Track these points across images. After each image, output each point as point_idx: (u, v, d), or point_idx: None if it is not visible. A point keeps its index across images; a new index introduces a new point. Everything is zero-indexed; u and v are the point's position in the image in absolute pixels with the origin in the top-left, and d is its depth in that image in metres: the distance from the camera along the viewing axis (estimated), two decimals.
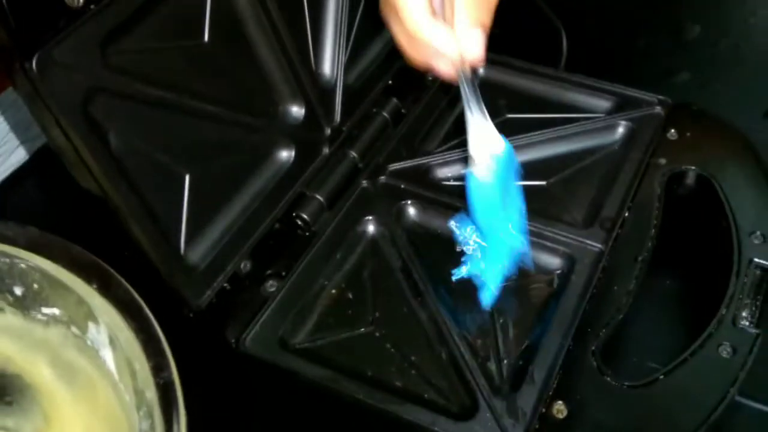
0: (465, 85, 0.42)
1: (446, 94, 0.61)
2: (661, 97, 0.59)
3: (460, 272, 0.49)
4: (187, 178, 0.46)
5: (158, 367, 0.35)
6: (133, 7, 0.42)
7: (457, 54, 0.40)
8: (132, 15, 0.42)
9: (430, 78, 0.63)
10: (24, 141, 0.59)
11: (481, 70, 0.64)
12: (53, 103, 0.38)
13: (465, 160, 0.57)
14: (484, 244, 0.49)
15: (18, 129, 0.58)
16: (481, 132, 0.44)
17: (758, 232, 0.50)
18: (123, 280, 0.38)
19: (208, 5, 0.47)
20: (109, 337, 0.38)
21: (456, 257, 0.51)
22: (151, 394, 0.35)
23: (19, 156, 0.59)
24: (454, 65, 0.41)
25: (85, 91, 0.40)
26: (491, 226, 0.47)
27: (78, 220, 0.48)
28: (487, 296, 0.48)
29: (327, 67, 0.55)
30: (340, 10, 0.56)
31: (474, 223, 0.49)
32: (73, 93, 0.39)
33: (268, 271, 0.50)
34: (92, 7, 0.39)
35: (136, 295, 0.37)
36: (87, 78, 0.40)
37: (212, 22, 0.47)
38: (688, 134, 0.57)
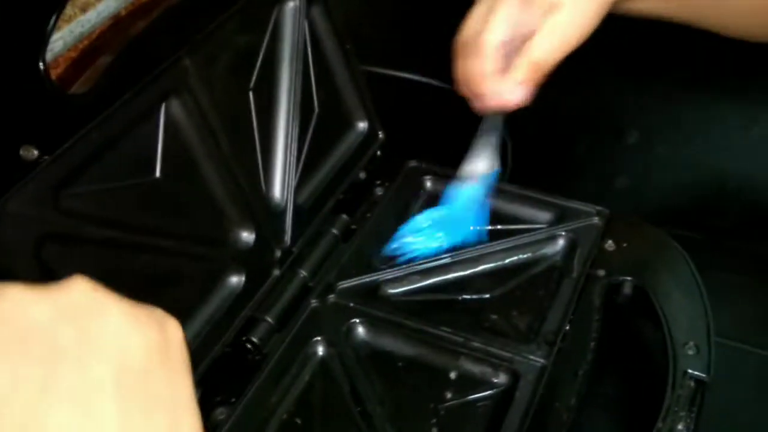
0: (487, 121, 0.52)
1: (395, 209, 0.64)
2: (598, 207, 0.62)
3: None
4: None
5: None
6: (85, 153, 0.43)
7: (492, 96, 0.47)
8: (84, 160, 0.43)
9: (380, 193, 0.66)
10: None
11: (429, 184, 0.67)
12: (4, 253, 0.40)
13: (415, 275, 0.59)
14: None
15: None
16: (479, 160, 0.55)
17: (691, 343, 0.52)
18: None
19: (159, 143, 0.49)
20: None
21: (401, 375, 0.52)
22: None
23: None
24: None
25: (36, 238, 0.41)
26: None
27: None
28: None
29: (277, 191, 0.57)
30: (289, 134, 0.58)
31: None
32: (25, 241, 0.41)
33: (218, 398, 0.50)
34: (46, 157, 0.41)
35: None
36: (39, 225, 0.41)
37: (164, 158, 0.48)
38: (625, 245, 0.60)
